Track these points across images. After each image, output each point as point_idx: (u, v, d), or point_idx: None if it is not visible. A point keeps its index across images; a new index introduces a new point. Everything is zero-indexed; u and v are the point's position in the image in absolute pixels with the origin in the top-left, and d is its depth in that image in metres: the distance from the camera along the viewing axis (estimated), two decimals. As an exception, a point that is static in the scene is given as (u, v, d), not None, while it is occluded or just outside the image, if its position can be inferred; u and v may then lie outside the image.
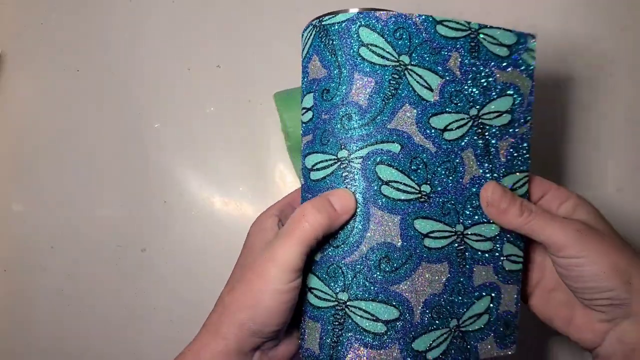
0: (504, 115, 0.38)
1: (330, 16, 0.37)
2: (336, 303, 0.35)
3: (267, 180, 0.57)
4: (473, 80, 0.38)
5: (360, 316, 0.35)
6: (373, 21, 0.36)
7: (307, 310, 0.36)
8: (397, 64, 0.36)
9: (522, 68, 0.39)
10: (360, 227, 0.35)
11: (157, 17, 0.58)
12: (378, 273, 0.35)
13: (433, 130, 0.37)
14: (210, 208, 0.57)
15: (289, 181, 0.57)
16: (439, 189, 0.37)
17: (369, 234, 0.35)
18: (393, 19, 0.36)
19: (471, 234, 0.37)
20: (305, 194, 0.37)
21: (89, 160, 0.57)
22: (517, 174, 0.39)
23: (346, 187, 0.35)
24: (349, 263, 0.35)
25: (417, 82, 0.36)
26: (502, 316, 0.39)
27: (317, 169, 0.36)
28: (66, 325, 0.56)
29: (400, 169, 0.36)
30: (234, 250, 0.57)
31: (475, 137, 0.38)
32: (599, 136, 0.58)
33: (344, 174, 0.35)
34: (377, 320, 0.35)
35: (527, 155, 0.39)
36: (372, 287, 0.35)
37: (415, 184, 0.36)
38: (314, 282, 0.36)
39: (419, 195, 0.36)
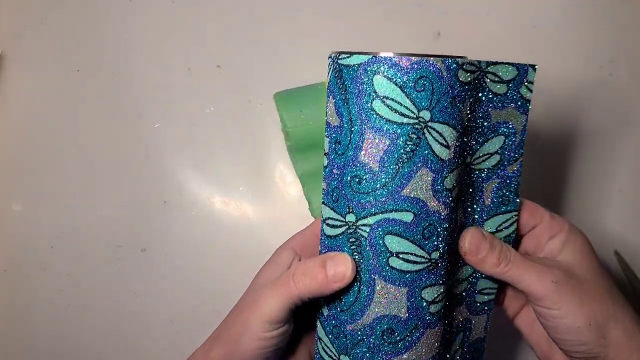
0: (493, 156, 0.36)
1: (345, 56, 0.32)
2: None
3: (267, 180, 0.57)
4: (474, 126, 0.34)
5: None
6: (391, 69, 0.31)
7: (315, 357, 0.37)
8: (417, 121, 0.31)
9: (519, 103, 0.36)
10: (365, 295, 0.33)
11: (157, 17, 0.58)
12: (380, 344, 0.33)
13: (445, 192, 0.33)
14: (210, 208, 0.57)
15: (289, 181, 0.57)
16: (446, 252, 0.34)
17: (372, 305, 0.33)
18: (415, 65, 0.31)
19: (456, 281, 0.37)
20: (321, 241, 0.35)
21: (89, 160, 0.57)
22: (503, 215, 0.37)
23: (352, 253, 0.33)
24: (352, 331, 0.34)
25: (437, 140, 0.32)
26: (472, 345, 0.39)
27: (329, 225, 0.34)
28: (66, 325, 0.56)
29: (412, 239, 0.32)
30: (234, 250, 0.57)
31: (464, 187, 0.35)
32: (599, 136, 0.58)
33: (350, 239, 0.33)
34: None
35: (516, 194, 0.37)
36: (373, 357, 0.34)
37: (426, 252, 0.33)
38: (321, 334, 0.36)
39: (429, 264, 0.33)
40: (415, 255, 0.33)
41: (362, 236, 0.33)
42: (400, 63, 0.31)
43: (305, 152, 0.52)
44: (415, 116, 0.31)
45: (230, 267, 0.56)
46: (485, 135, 0.35)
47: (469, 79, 0.32)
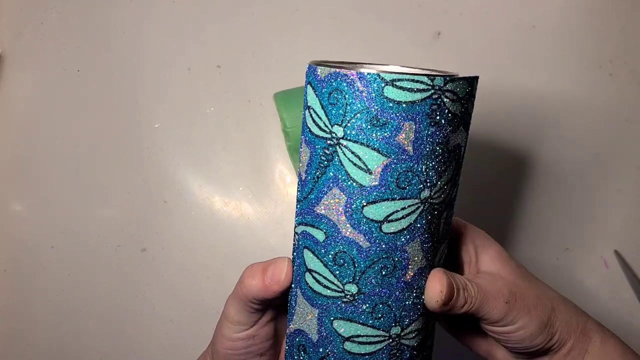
0: (448, 185, 0.31)
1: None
2: None
3: (267, 180, 0.57)
4: (430, 153, 0.29)
5: None
6: (315, 79, 0.29)
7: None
8: (329, 136, 0.29)
9: (467, 122, 0.31)
10: (292, 304, 0.33)
11: (157, 17, 0.58)
12: (296, 358, 0.33)
13: (368, 222, 0.29)
14: (210, 208, 0.57)
15: (288, 181, 0.57)
16: (370, 290, 0.30)
17: (294, 316, 0.32)
18: (329, 77, 0.29)
19: (409, 333, 0.32)
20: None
21: (89, 160, 0.57)
22: (445, 244, 0.33)
23: (294, 258, 0.33)
24: (287, 336, 0.34)
25: (352, 161, 0.29)
26: None
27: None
28: (66, 325, 0.56)
29: (323, 260, 0.30)
30: (233, 250, 0.57)
31: (424, 224, 0.30)
32: (599, 136, 0.58)
33: (293, 242, 0.33)
34: None
35: (452, 216, 0.33)
36: None
37: (338, 281, 0.30)
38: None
39: (342, 294, 0.30)
40: (325, 278, 0.30)
41: (295, 242, 0.32)
42: (319, 73, 0.29)
43: (305, 152, 0.52)
44: (328, 131, 0.29)
45: (230, 267, 0.56)
46: (445, 164, 0.30)
47: (410, 98, 0.28)
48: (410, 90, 0.28)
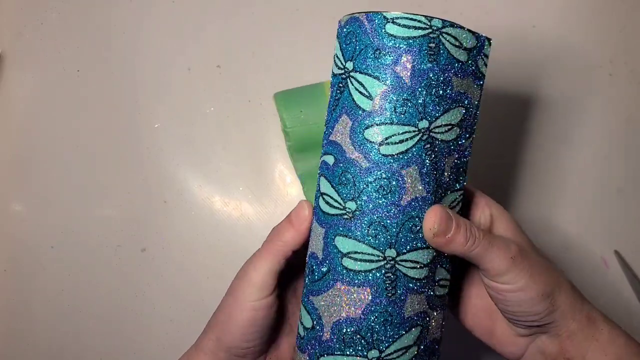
0: (454, 128, 0.34)
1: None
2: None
3: (267, 180, 0.57)
4: (428, 88, 0.32)
5: (300, 316, 0.36)
6: (339, 29, 0.34)
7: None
8: (343, 71, 0.34)
9: (477, 76, 0.34)
10: (310, 234, 0.36)
11: (157, 17, 0.58)
12: (307, 280, 0.35)
13: (367, 143, 0.32)
14: (210, 208, 0.57)
15: (288, 181, 0.57)
16: (367, 208, 0.32)
17: (310, 241, 0.36)
18: (347, 21, 0.34)
19: (406, 261, 0.33)
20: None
21: (89, 160, 0.57)
22: (453, 193, 0.35)
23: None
24: (306, 262, 0.36)
25: (357, 89, 0.33)
26: (429, 346, 0.35)
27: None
28: (66, 325, 0.56)
29: (332, 182, 0.34)
30: (233, 250, 0.57)
31: (422, 153, 0.32)
32: (599, 136, 0.58)
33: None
34: (301, 323, 0.35)
35: (465, 172, 0.35)
36: (304, 291, 0.35)
37: (341, 199, 0.33)
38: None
39: (344, 211, 0.33)
40: (331, 198, 0.34)
41: (317, 178, 0.36)
42: (341, 21, 0.34)
43: (305, 152, 0.52)
44: (342, 66, 0.34)
45: (230, 267, 0.56)
46: (447, 104, 0.33)
47: (408, 34, 0.32)
48: (408, 27, 0.32)
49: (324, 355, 0.34)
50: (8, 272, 0.57)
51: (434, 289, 0.35)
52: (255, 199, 0.57)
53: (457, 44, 0.33)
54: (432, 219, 0.32)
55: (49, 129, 0.57)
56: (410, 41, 0.32)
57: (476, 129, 0.35)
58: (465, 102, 0.34)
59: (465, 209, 0.37)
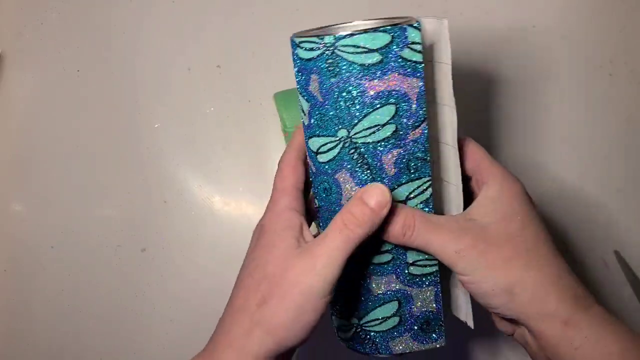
0: (385, 127, 0.35)
1: None
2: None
3: (267, 180, 0.57)
4: (337, 101, 0.34)
5: None
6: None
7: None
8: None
9: (406, 69, 0.34)
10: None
11: (157, 17, 0.58)
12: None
13: (311, 152, 0.37)
14: (210, 208, 0.57)
15: (289, 181, 0.57)
16: (322, 206, 0.38)
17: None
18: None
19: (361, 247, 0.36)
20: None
21: (89, 160, 0.57)
22: (413, 182, 0.36)
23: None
24: None
25: (300, 106, 0.37)
26: (419, 316, 0.39)
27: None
28: (66, 325, 0.56)
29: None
30: (234, 250, 0.57)
31: (349, 158, 0.35)
32: (599, 136, 0.58)
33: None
34: None
35: (426, 160, 0.36)
36: None
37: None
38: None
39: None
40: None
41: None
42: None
43: (305, 152, 0.52)
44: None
45: (230, 267, 0.56)
46: (365, 108, 0.34)
47: (311, 56, 0.34)
48: (308, 49, 0.34)
49: None
50: (8, 272, 0.57)
51: (408, 269, 0.38)
52: (255, 199, 0.57)
53: (360, 50, 0.33)
54: (370, 200, 0.33)
55: (49, 129, 0.57)
56: (313, 62, 0.34)
57: (425, 117, 0.35)
58: (394, 99, 0.34)
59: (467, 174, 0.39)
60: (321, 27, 0.36)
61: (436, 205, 0.38)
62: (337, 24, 0.36)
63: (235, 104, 0.57)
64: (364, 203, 0.33)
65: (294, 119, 0.51)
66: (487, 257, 0.33)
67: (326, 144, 0.36)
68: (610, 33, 0.58)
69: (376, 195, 0.33)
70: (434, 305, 0.39)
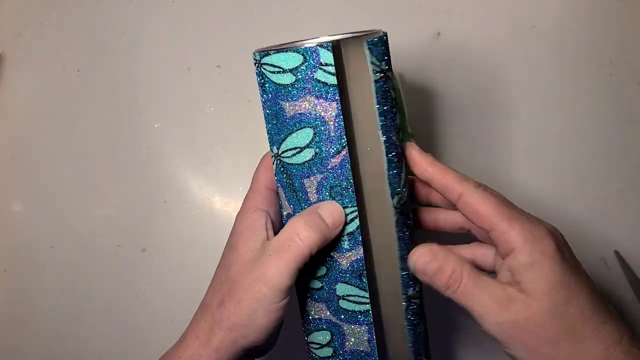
0: (305, 150, 0.34)
1: None
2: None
3: (267, 180, 0.57)
4: (267, 117, 0.35)
5: None
6: None
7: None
8: None
9: (320, 91, 0.32)
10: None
11: (157, 17, 0.58)
12: None
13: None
14: (210, 208, 0.57)
15: (289, 181, 0.57)
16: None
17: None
18: None
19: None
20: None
21: (88, 160, 0.57)
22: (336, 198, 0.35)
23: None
24: None
25: None
26: (353, 354, 0.36)
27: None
28: (66, 325, 0.56)
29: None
30: (234, 250, 0.57)
31: (281, 175, 0.35)
32: (599, 136, 0.58)
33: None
34: None
35: (350, 189, 0.34)
36: None
37: None
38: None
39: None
40: None
41: None
42: None
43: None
44: None
45: (230, 267, 0.56)
46: (286, 129, 0.34)
47: (255, 71, 0.35)
48: (254, 64, 0.35)
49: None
50: (8, 272, 0.57)
51: (338, 302, 0.35)
52: (255, 199, 0.57)
53: (276, 70, 0.33)
54: (413, 256, 0.34)
55: (49, 129, 0.57)
56: (257, 78, 0.35)
57: (345, 142, 0.33)
58: (311, 123, 0.33)
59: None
60: (290, 42, 0.35)
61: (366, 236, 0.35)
62: (305, 39, 0.34)
63: (235, 104, 0.57)
64: (320, 217, 0.33)
65: (293, 119, 0.51)
66: (530, 337, 0.31)
67: (271, 156, 0.36)
68: (610, 33, 0.58)
69: (332, 212, 0.34)
70: (368, 346, 0.36)
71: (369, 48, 0.32)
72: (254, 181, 0.38)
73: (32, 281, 0.57)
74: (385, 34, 0.34)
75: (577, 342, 0.30)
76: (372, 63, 0.33)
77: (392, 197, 0.35)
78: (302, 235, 0.33)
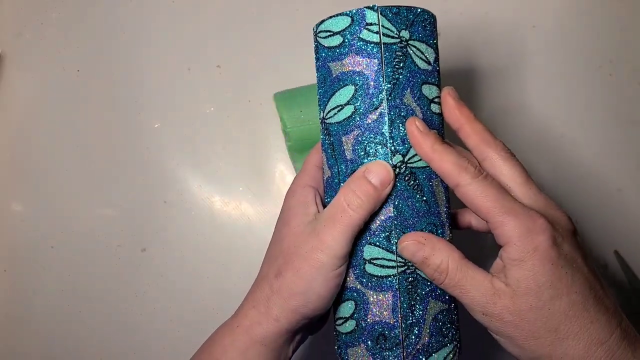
0: (345, 108, 0.35)
1: None
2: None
3: (267, 180, 0.57)
4: (318, 82, 0.37)
5: None
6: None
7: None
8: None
9: (365, 50, 0.34)
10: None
11: (157, 17, 0.58)
12: None
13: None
14: (210, 208, 0.57)
15: (288, 181, 0.57)
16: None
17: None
18: None
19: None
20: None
21: (88, 160, 0.57)
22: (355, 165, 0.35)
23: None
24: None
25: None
26: (373, 327, 0.34)
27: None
28: (66, 325, 0.56)
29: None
30: (234, 250, 0.57)
31: (324, 138, 0.37)
32: (599, 136, 0.58)
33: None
34: None
35: (382, 144, 0.34)
36: None
37: None
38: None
39: None
40: None
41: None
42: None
43: (305, 152, 0.52)
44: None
45: (230, 267, 0.56)
46: (331, 89, 0.36)
47: (313, 45, 0.38)
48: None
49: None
50: (8, 272, 0.57)
51: (364, 266, 0.35)
52: (255, 199, 0.57)
53: (327, 35, 0.36)
54: (402, 244, 0.34)
55: (49, 129, 0.57)
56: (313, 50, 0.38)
57: (383, 98, 0.34)
58: (353, 80, 0.35)
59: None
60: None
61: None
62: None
63: (235, 104, 0.57)
64: (367, 182, 0.33)
65: (294, 119, 0.51)
66: (514, 330, 0.31)
67: (320, 122, 0.38)
68: (610, 33, 0.58)
69: (379, 173, 0.34)
70: (392, 316, 0.34)
71: (384, 14, 0.35)
72: (305, 162, 0.39)
73: (32, 281, 0.57)
74: (423, 10, 0.36)
75: (559, 339, 0.31)
76: (387, 29, 0.35)
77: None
78: (353, 205, 0.33)
